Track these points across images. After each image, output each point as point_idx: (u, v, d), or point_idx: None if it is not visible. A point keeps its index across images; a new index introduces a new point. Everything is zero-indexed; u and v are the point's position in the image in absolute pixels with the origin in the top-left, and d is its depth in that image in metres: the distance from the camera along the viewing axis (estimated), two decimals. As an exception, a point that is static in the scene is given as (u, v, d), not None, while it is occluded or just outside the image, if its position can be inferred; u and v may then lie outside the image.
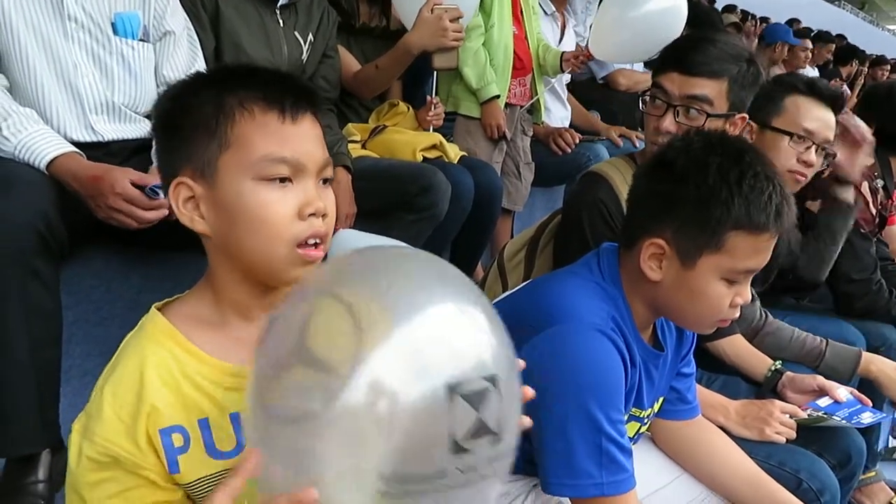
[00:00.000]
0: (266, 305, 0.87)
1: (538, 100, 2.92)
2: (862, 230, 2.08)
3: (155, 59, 1.63)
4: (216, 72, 0.90)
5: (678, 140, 1.09)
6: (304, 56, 2.07)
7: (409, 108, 2.40)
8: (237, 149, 0.79)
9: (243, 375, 0.84)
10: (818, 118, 1.70)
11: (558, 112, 3.25)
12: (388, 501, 0.59)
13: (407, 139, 2.24)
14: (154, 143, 0.87)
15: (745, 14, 7.51)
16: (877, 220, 2.15)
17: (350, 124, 2.32)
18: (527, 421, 0.71)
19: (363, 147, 2.26)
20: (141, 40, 1.58)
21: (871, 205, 2.10)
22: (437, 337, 0.62)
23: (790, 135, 1.67)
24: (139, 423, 0.80)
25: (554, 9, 3.13)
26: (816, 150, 1.69)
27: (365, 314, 0.61)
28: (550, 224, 1.67)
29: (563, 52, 2.85)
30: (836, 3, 18.32)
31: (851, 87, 7.87)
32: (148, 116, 1.63)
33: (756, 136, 1.63)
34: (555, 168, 2.96)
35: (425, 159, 2.22)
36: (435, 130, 2.36)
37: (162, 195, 1.36)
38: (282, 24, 2.02)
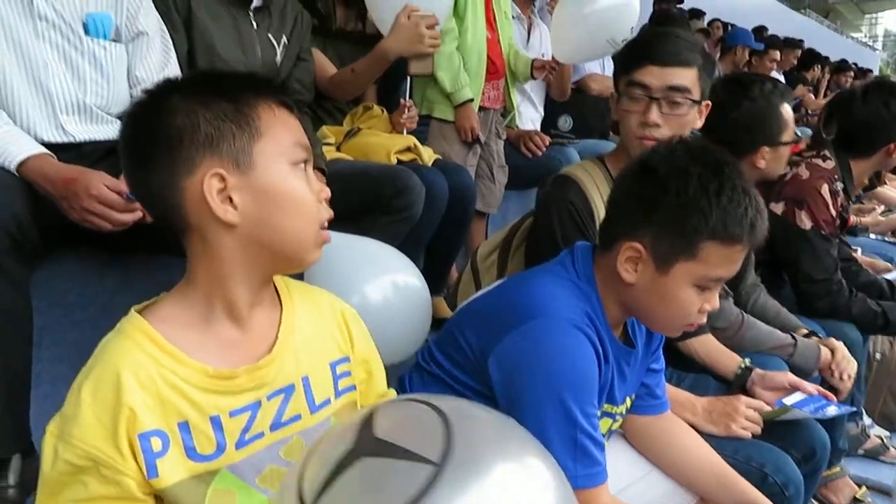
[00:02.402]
0: (254, 303, 0.90)
1: (511, 103, 2.95)
2: (822, 232, 2.14)
3: (128, 60, 1.61)
4: (188, 79, 0.92)
5: (662, 147, 1.12)
6: (279, 58, 2.07)
7: (383, 111, 2.41)
8: (269, 137, 0.85)
9: (224, 377, 0.85)
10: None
11: (528, 114, 3.29)
12: None
13: (381, 142, 2.25)
14: (132, 153, 0.87)
15: (712, 20, 7.66)
16: (837, 221, 2.21)
17: (324, 126, 2.32)
18: None
19: (338, 150, 2.26)
20: (113, 41, 1.57)
21: (831, 207, 2.16)
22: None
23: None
24: (119, 426, 0.79)
25: (519, 11, 3.16)
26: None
27: None
28: (522, 226, 1.69)
29: (533, 60, 2.89)
30: (802, 11, 18.72)
31: (816, 93, 8.06)
32: (120, 118, 1.62)
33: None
34: (527, 171, 3.00)
35: (399, 162, 2.23)
36: (409, 134, 2.38)
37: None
38: (255, 27, 2.02)
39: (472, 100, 2.64)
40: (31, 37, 1.45)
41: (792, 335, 1.84)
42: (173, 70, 1.69)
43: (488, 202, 2.86)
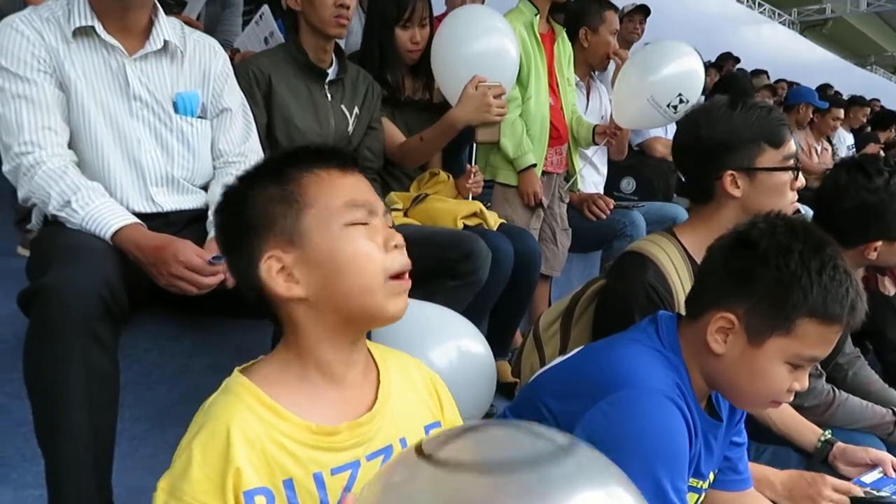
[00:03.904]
0: (348, 363, 0.92)
1: (574, 168, 2.97)
2: (908, 298, 2.05)
3: (212, 134, 1.71)
4: (251, 172, 0.95)
5: (761, 221, 1.11)
6: (350, 128, 2.16)
7: (449, 177, 2.46)
8: (317, 206, 0.87)
9: (327, 433, 0.87)
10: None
11: (591, 177, 3.28)
12: None
13: (448, 207, 2.28)
14: (221, 242, 0.95)
15: (777, 81, 7.58)
16: (923, 287, 2.12)
17: (392, 193, 2.38)
18: None
19: (405, 215, 2.31)
20: (199, 117, 1.66)
21: (916, 272, 2.08)
22: None
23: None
24: (227, 483, 0.81)
25: (578, 78, 3.20)
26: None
27: None
28: (584, 295, 1.66)
29: (595, 126, 2.92)
30: (869, 67, 18.38)
31: (887, 151, 7.79)
32: (203, 188, 1.70)
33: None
34: (591, 234, 2.99)
35: (466, 227, 2.26)
36: (473, 198, 2.41)
37: (223, 262, 1.42)
38: (329, 98, 2.13)
39: (534, 165, 2.67)
40: (126, 116, 1.56)
41: (894, 411, 1.75)
42: (254, 142, 1.78)
43: (552, 265, 2.85)
